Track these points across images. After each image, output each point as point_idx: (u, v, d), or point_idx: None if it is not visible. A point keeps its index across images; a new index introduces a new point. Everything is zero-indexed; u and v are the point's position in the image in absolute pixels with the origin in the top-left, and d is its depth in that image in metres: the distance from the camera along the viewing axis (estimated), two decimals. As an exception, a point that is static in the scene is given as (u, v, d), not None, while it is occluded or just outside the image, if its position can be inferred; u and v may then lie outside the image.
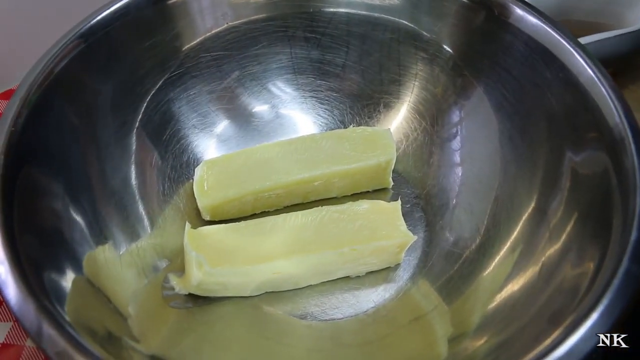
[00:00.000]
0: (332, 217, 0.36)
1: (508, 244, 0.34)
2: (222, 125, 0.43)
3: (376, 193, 0.41)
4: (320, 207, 0.36)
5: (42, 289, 0.26)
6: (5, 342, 0.34)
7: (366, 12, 0.41)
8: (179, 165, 0.40)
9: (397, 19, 0.40)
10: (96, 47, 0.35)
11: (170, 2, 0.38)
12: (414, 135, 0.42)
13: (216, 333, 0.34)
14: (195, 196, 0.38)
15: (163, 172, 0.39)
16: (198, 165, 0.39)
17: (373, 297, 0.36)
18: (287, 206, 0.40)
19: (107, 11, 0.35)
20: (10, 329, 0.34)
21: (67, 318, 0.26)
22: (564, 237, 0.30)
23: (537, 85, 0.35)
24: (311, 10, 0.41)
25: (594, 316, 0.24)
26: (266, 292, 0.36)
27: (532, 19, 0.35)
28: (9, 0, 0.46)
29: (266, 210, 0.40)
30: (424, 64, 0.41)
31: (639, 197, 0.26)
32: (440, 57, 0.40)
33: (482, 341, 0.30)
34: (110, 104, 0.36)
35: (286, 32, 0.42)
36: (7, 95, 0.46)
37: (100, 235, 0.33)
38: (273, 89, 0.43)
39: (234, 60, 0.42)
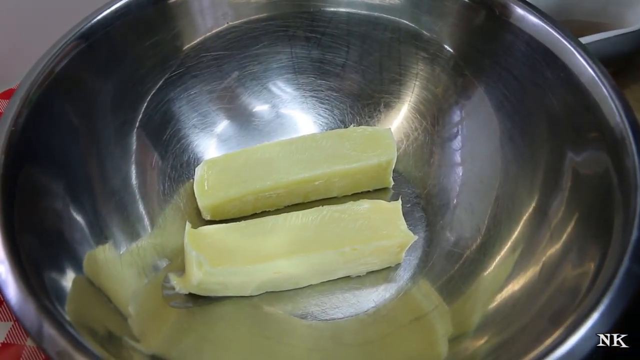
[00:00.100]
0: (332, 217, 0.35)
1: (509, 243, 0.34)
2: (223, 124, 0.43)
3: (377, 193, 0.41)
4: (320, 207, 0.36)
5: (43, 289, 0.26)
6: (5, 341, 0.34)
7: (367, 11, 0.41)
8: (179, 164, 0.40)
9: (397, 19, 0.40)
10: (97, 47, 0.35)
11: (170, 1, 0.38)
12: (415, 134, 0.42)
13: (216, 333, 0.34)
14: (196, 196, 0.38)
15: (163, 171, 0.39)
16: (198, 164, 0.39)
17: (373, 296, 0.36)
18: (288, 206, 0.40)
19: (108, 11, 0.35)
20: (11, 328, 0.34)
21: (68, 318, 0.26)
22: (564, 237, 0.30)
23: (538, 85, 0.35)
24: (312, 9, 0.41)
25: (595, 316, 0.24)
26: (267, 292, 0.36)
27: (533, 19, 0.35)
28: (9, 0, 0.46)
29: (267, 209, 0.40)
30: (424, 63, 0.41)
31: (640, 197, 0.26)
32: (441, 57, 0.40)
33: (482, 341, 0.30)
34: (111, 104, 0.36)
35: (287, 31, 0.42)
36: (8, 94, 0.46)
37: (101, 235, 0.33)
38: (273, 88, 0.43)
39: (234, 59, 0.42)
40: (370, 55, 0.42)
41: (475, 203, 0.37)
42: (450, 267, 0.36)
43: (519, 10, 0.35)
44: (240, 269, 0.33)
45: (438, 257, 0.37)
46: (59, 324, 0.24)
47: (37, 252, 0.28)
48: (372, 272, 0.37)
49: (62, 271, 0.29)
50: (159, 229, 0.37)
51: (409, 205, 0.40)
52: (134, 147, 0.38)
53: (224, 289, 0.34)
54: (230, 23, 0.41)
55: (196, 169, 0.39)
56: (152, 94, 0.39)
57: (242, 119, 0.43)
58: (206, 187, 0.37)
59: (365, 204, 0.36)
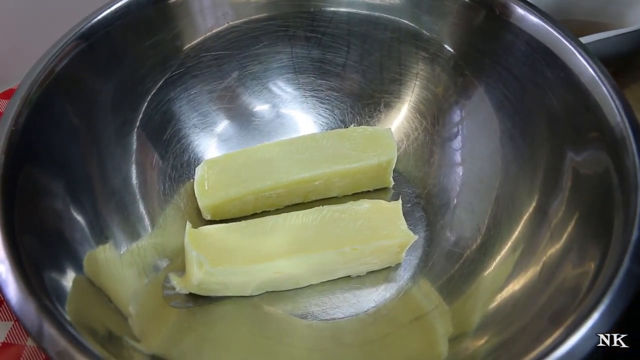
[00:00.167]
0: (332, 217, 0.35)
1: (509, 243, 0.34)
2: (223, 124, 0.43)
3: (377, 192, 0.41)
4: (321, 207, 0.36)
5: (43, 289, 0.26)
6: (5, 341, 0.34)
7: (367, 11, 0.41)
8: (179, 164, 0.40)
9: (398, 19, 0.40)
10: (97, 47, 0.35)
11: (171, 1, 0.38)
12: (415, 134, 0.42)
13: (217, 333, 0.34)
14: (196, 196, 0.38)
15: (164, 171, 0.39)
16: (199, 164, 0.39)
17: (374, 296, 0.36)
18: (288, 206, 0.40)
19: (108, 10, 0.35)
20: (11, 328, 0.34)
21: (68, 317, 0.26)
22: (565, 236, 0.30)
23: (538, 85, 0.35)
24: (312, 9, 0.41)
25: (595, 316, 0.24)
26: (267, 292, 0.36)
27: (533, 19, 0.35)
28: (9, 0, 0.46)
29: (267, 209, 0.40)
30: (424, 63, 0.41)
31: (640, 196, 0.26)
32: (441, 57, 0.40)
33: (482, 341, 0.30)
34: (111, 104, 0.36)
35: (287, 31, 0.42)
36: (8, 94, 0.46)
37: (101, 235, 0.33)
38: (274, 88, 0.43)
39: (234, 59, 0.42)
40: (371, 55, 0.42)
41: (476, 203, 0.37)
42: (450, 267, 0.36)
43: (519, 10, 0.35)
44: (241, 268, 0.33)
45: (438, 256, 0.37)
46: (59, 324, 0.24)
47: (38, 252, 0.28)
48: (373, 272, 0.37)
49: (62, 271, 0.29)
50: (160, 229, 0.37)
51: (409, 205, 0.40)
52: (134, 147, 0.38)
53: (224, 289, 0.34)
54: (231, 23, 0.41)
55: (196, 169, 0.39)
56: (152, 93, 0.39)
57: (243, 118, 0.43)
58: (206, 187, 0.38)
59: (365, 204, 0.36)
